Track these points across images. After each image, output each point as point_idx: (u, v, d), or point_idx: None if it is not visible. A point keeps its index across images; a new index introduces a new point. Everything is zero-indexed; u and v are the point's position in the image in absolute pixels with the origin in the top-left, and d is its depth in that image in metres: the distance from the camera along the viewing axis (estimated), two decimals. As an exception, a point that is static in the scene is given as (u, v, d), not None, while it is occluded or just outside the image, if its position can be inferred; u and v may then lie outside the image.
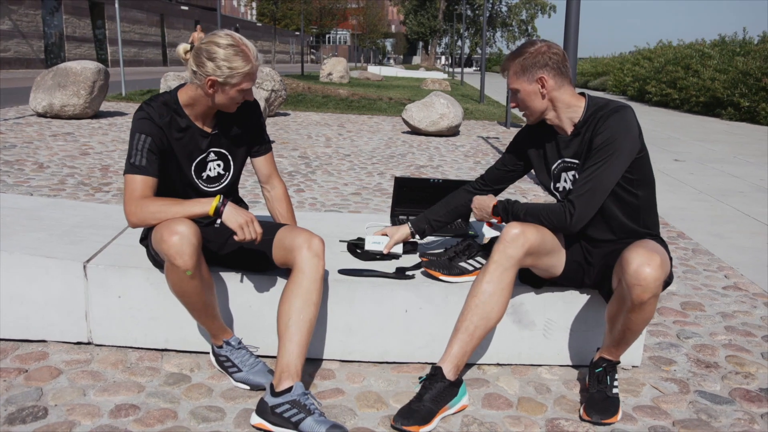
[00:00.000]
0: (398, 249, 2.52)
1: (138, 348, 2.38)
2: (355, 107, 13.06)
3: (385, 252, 2.47)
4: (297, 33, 52.92)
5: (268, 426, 1.90)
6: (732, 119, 14.54)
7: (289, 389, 1.91)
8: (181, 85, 2.13)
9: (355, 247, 2.55)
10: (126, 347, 2.38)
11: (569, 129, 2.15)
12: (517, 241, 2.05)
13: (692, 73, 16.95)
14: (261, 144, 2.32)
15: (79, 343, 2.39)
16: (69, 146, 6.90)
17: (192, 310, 2.08)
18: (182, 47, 2.05)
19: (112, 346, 2.38)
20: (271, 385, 1.94)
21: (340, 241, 2.58)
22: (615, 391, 2.12)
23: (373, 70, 36.43)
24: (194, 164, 2.16)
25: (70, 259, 2.33)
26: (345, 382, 2.24)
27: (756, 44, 15.90)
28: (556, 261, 2.20)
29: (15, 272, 2.31)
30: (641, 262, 1.90)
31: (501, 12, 61.66)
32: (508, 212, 2.17)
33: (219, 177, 2.24)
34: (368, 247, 2.50)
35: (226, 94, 2.03)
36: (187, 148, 2.13)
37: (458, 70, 46.52)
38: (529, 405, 2.14)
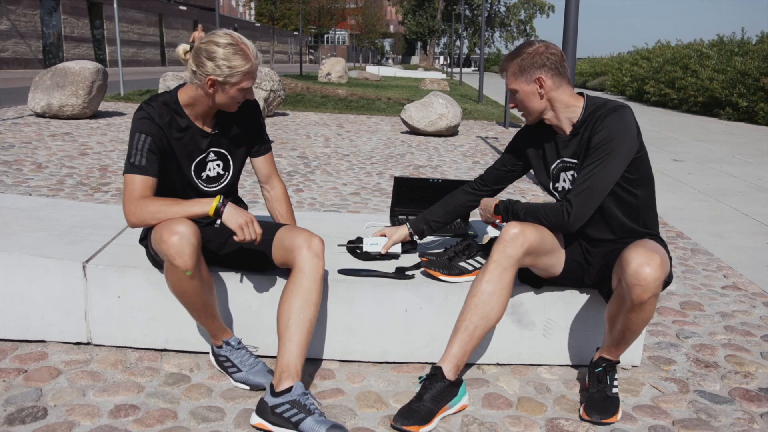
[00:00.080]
0: (397, 249, 2.52)
1: (137, 348, 2.38)
2: (353, 107, 13.06)
3: (383, 252, 2.47)
4: (295, 33, 52.93)
5: (268, 426, 1.90)
6: (730, 119, 14.56)
7: (289, 389, 1.90)
8: (181, 85, 2.12)
9: (354, 247, 2.55)
10: (125, 347, 2.38)
11: (568, 129, 2.15)
12: (516, 240, 2.05)
13: (690, 73, 16.96)
14: (261, 144, 2.32)
15: (78, 343, 2.38)
16: (67, 146, 6.90)
17: (192, 311, 2.08)
18: (182, 48, 2.05)
19: (112, 346, 2.38)
20: (271, 385, 1.93)
21: (339, 245, 2.58)
22: (615, 390, 2.12)
23: (372, 70, 36.45)
24: (194, 164, 2.16)
25: (69, 259, 2.32)
26: (345, 382, 2.24)
27: (754, 44, 15.91)
28: (556, 260, 2.20)
29: (14, 272, 2.31)
30: (641, 262, 1.90)
31: (499, 12, 61.71)
32: (509, 211, 2.17)
33: (219, 177, 2.24)
34: (366, 248, 2.50)
35: (227, 94, 2.03)
36: (187, 148, 2.13)
37: (457, 70, 46.54)
38: (529, 405, 2.14)
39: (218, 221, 1.98)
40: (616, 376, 2.17)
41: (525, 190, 5.76)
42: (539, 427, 2.02)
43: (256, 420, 1.92)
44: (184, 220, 1.93)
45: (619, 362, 2.18)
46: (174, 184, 2.15)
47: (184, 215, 1.96)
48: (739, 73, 14.56)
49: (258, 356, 2.24)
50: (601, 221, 2.16)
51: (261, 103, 9.38)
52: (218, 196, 1.99)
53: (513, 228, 2.07)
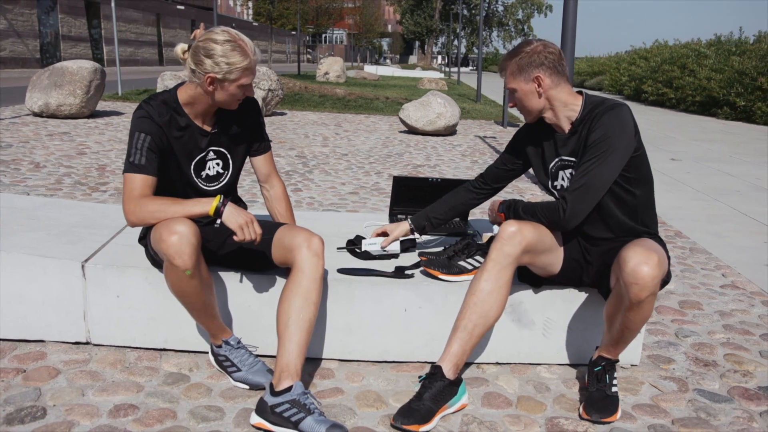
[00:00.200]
0: (396, 248, 2.52)
1: (137, 348, 2.37)
2: (352, 107, 13.06)
3: (384, 245, 2.47)
4: (293, 32, 52.87)
5: (267, 425, 1.89)
6: (728, 119, 14.58)
7: (289, 389, 1.90)
8: (180, 84, 2.12)
9: (354, 246, 2.55)
10: (124, 347, 2.37)
11: (567, 127, 2.15)
12: (514, 238, 2.06)
13: (688, 73, 16.99)
14: (260, 143, 2.32)
15: (77, 342, 2.38)
16: (65, 146, 6.88)
17: (191, 310, 2.08)
18: (180, 47, 2.04)
19: (111, 345, 2.38)
20: (271, 385, 1.93)
21: (338, 248, 2.57)
22: (614, 389, 2.12)
23: (370, 69, 36.44)
24: (194, 163, 2.16)
25: (68, 258, 2.32)
26: (344, 381, 2.24)
27: (752, 44, 15.94)
28: (554, 259, 2.20)
29: (13, 272, 2.31)
30: (639, 261, 1.90)
31: (497, 11, 61.75)
32: (510, 209, 2.18)
33: (218, 176, 2.23)
34: (365, 247, 2.51)
35: (226, 91, 2.02)
36: (186, 147, 2.12)
37: (455, 69, 46.55)
38: (529, 404, 2.14)
39: (218, 221, 1.97)
40: (616, 375, 2.17)
41: (523, 190, 5.76)
42: (539, 426, 2.02)
43: (255, 419, 1.92)
44: (183, 219, 1.93)
45: (618, 361, 2.19)
46: (173, 183, 2.15)
47: (184, 215, 1.95)
48: (736, 73, 14.59)
49: (257, 356, 2.24)
50: (599, 220, 2.16)
51: (259, 103, 9.37)
52: (218, 196, 1.98)
53: (511, 226, 2.07)
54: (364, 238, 2.55)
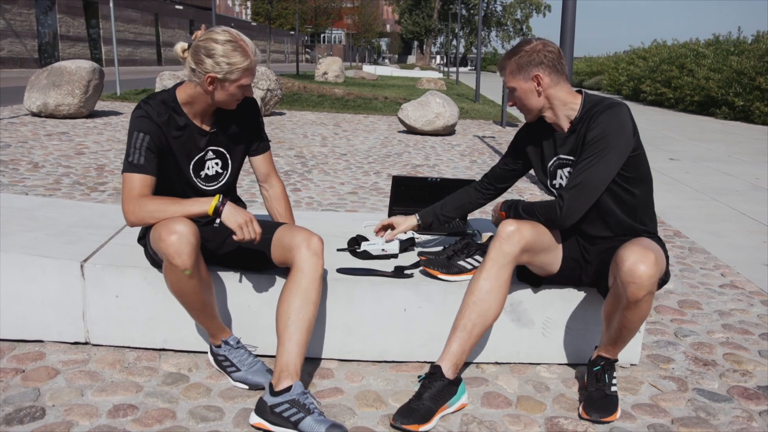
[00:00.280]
0: (395, 248, 2.52)
1: (136, 348, 2.37)
2: (350, 106, 13.06)
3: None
4: (292, 32, 52.85)
5: (267, 425, 1.89)
6: (726, 118, 14.59)
7: (288, 388, 1.90)
8: (179, 84, 2.11)
9: (355, 245, 2.55)
10: (124, 347, 2.37)
11: (566, 126, 2.15)
12: (513, 237, 2.06)
13: (687, 73, 17.00)
14: (259, 142, 2.32)
15: (76, 343, 2.38)
16: (64, 146, 6.88)
17: (190, 310, 2.08)
18: (180, 46, 2.04)
19: (110, 345, 2.37)
20: (270, 385, 1.93)
21: (338, 249, 2.57)
22: (614, 389, 2.12)
23: (369, 69, 36.43)
24: (192, 163, 2.16)
25: (67, 258, 2.32)
26: (344, 381, 2.24)
27: (750, 44, 15.96)
28: (553, 258, 2.20)
29: (12, 272, 2.30)
30: (635, 260, 1.90)
31: (496, 11, 61.78)
32: (511, 208, 2.18)
33: (217, 176, 2.23)
34: (365, 247, 2.51)
35: (226, 91, 2.02)
36: (185, 146, 2.12)
37: (453, 69, 46.53)
38: (529, 403, 2.14)
39: (217, 220, 1.97)
40: (615, 374, 2.17)
41: (522, 189, 5.76)
42: (538, 425, 2.02)
43: (255, 419, 1.92)
44: (183, 219, 1.93)
45: (617, 360, 2.18)
46: (173, 182, 2.14)
47: (183, 214, 1.95)
48: (735, 73, 14.60)
49: (257, 355, 2.24)
50: (597, 218, 2.16)
51: (258, 103, 9.37)
52: (217, 195, 1.98)
53: (509, 225, 2.08)
54: (366, 239, 2.55)
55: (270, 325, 2.18)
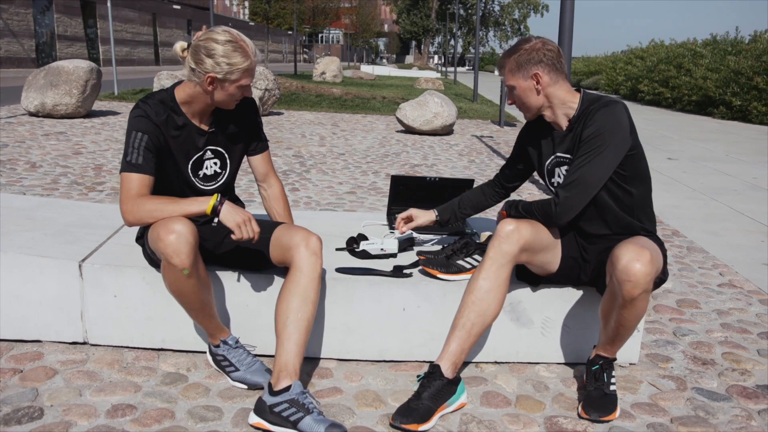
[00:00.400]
0: (394, 247, 2.52)
1: (134, 348, 2.36)
2: (348, 106, 13.05)
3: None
4: (290, 32, 52.82)
5: (266, 425, 1.89)
6: (724, 118, 14.62)
7: (288, 388, 1.90)
8: (178, 83, 2.11)
9: (353, 244, 2.54)
10: (122, 347, 2.37)
11: (564, 125, 2.16)
12: (512, 237, 2.06)
13: (684, 72, 17.02)
14: (258, 142, 2.31)
15: (74, 343, 2.37)
16: (61, 146, 6.86)
17: (189, 310, 2.07)
18: (179, 45, 2.03)
19: (108, 345, 2.37)
20: (269, 384, 1.93)
21: (337, 249, 2.57)
22: (612, 388, 2.12)
23: (366, 69, 36.42)
24: (191, 162, 2.15)
25: (65, 258, 2.31)
26: (343, 380, 2.24)
27: (747, 43, 15.99)
28: (552, 257, 2.20)
29: (10, 272, 2.29)
30: (631, 258, 1.90)
31: (494, 11, 61.81)
32: (512, 207, 2.19)
33: (216, 175, 2.23)
34: (363, 246, 2.51)
35: (226, 91, 2.02)
36: (183, 146, 2.12)
37: (451, 69, 46.54)
38: (528, 403, 2.14)
39: (215, 220, 1.96)
40: (614, 373, 2.17)
41: (521, 189, 5.76)
42: (538, 425, 2.02)
43: (254, 419, 1.91)
44: (181, 218, 1.92)
45: (615, 359, 2.18)
46: (171, 182, 2.14)
47: (182, 214, 1.94)
48: (732, 72, 14.62)
49: (256, 355, 2.23)
50: (596, 216, 2.16)
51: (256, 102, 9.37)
52: (215, 195, 1.97)
53: (508, 225, 2.08)
54: (365, 238, 2.55)
55: (269, 325, 2.18)
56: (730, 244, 4.25)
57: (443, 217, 2.53)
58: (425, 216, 2.52)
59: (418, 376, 2.09)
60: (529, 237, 2.07)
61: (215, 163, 2.21)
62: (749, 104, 13.86)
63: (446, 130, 9.34)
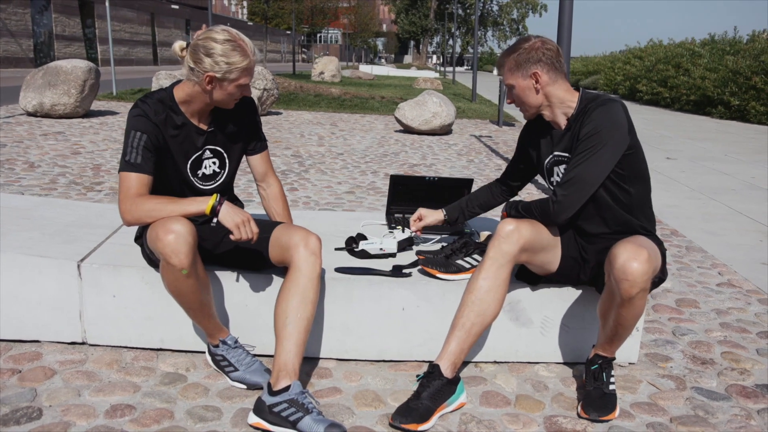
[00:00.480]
0: (393, 247, 2.52)
1: (133, 348, 2.36)
2: (347, 106, 13.05)
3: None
4: (288, 32, 52.81)
5: (266, 425, 1.88)
6: (722, 117, 14.63)
7: (287, 388, 1.89)
8: (177, 82, 2.11)
9: (352, 244, 2.54)
10: (121, 347, 2.36)
11: (563, 123, 2.16)
12: (512, 236, 2.06)
13: (683, 72, 17.03)
14: (257, 141, 2.31)
15: (73, 343, 2.37)
16: (60, 145, 6.85)
17: (188, 310, 2.07)
18: (178, 44, 2.03)
19: (107, 346, 2.36)
20: (269, 384, 1.92)
21: (336, 249, 2.57)
22: (612, 387, 2.12)
23: (365, 69, 36.42)
24: (190, 162, 2.15)
25: (63, 258, 2.30)
26: (342, 380, 2.23)
27: (745, 43, 16.00)
28: (552, 257, 2.20)
29: (8, 272, 2.29)
30: (628, 257, 1.90)
31: (492, 11, 61.81)
32: (512, 208, 2.19)
33: (214, 175, 2.22)
34: (362, 246, 2.50)
35: (225, 90, 2.01)
36: (182, 145, 2.11)
37: (450, 69, 46.54)
38: (527, 402, 2.14)
39: (214, 220, 1.96)
40: (613, 373, 2.17)
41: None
42: (537, 424, 2.02)
43: (253, 419, 1.91)
44: (180, 218, 1.92)
45: (614, 359, 2.18)
46: (170, 182, 2.13)
47: (180, 214, 1.94)
48: (730, 72, 14.63)
49: (255, 355, 2.23)
50: (594, 214, 2.16)
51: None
52: (215, 195, 1.97)
53: (508, 225, 2.08)
54: (364, 238, 2.54)
55: (268, 325, 2.18)
56: (728, 243, 4.25)
57: (451, 216, 2.54)
58: (433, 215, 2.54)
59: (417, 376, 2.09)
60: (529, 237, 2.07)
61: (214, 163, 2.21)
62: (747, 104, 13.87)
63: (445, 130, 9.33)
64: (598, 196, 2.10)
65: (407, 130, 9.33)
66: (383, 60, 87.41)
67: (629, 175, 2.10)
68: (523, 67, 2.11)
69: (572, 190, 2.04)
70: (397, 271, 2.34)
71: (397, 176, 2.94)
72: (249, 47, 2.00)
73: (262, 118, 10.31)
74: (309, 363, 2.31)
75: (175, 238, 1.87)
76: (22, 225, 2.63)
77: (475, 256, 2.33)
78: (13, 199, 3.10)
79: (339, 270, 2.35)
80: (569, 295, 2.34)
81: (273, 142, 7.85)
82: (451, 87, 24.85)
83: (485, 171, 6.55)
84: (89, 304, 2.31)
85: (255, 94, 9.92)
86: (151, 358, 2.31)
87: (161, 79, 10.33)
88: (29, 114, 9.06)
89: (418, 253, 2.50)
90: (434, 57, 77.47)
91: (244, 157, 2.32)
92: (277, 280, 2.27)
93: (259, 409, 1.90)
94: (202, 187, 2.20)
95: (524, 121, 2.35)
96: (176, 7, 38.87)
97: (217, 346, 2.17)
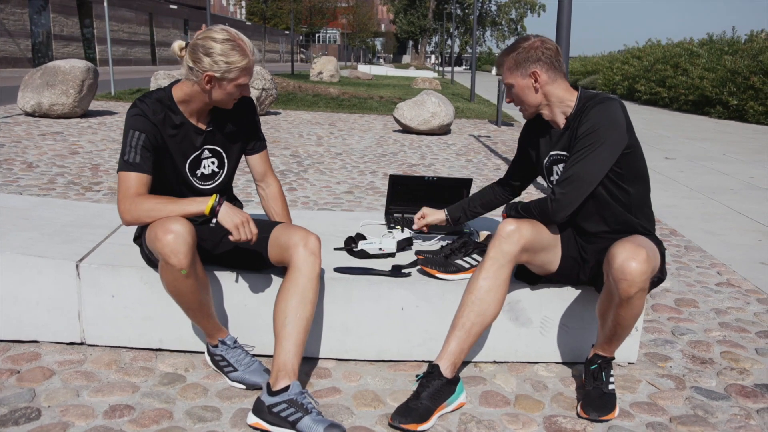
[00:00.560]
0: (392, 247, 2.52)
1: (132, 348, 2.35)
2: (345, 106, 13.04)
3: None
4: (287, 32, 52.81)
5: (265, 425, 1.88)
6: (721, 117, 14.64)
7: (286, 388, 1.89)
8: (175, 82, 2.10)
9: (351, 244, 2.54)
10: (120, 347, 2.36)
11: (562, 123, 2.16)
12: (513, 237, 2.06)
13: (681, 72, 17.04)
14: (256, 141, 2.31)
15: (72, 343, 2.36)
16: (58, 145, 6.84)
17: (187, 310, 2.06)
18: (177, 44, 2.02)
19: (106, 346, 2.36)
20: (268, 384, 1.92)
21: (335, 249, 2.56)
22: (611, 387, 2.12)
23: (363, 69, 36.39)
24: (188, 162, 2.14)
25: (62, 258, 2.30)
26: (342, 380, 2.23)
27: (744, 43, 16.01)
28: (552, 257, 2.20)
29: (7, 272, 2.28)
30: (627, 257, 1.90)
31: (491, 11, 61.82)
32: (512, 208, 2.19)
33: (213, 174, 2.22)
34: (361, 246, 2.50)
35: (224, 90, 2.01)
36: (181, 145, 2.11)
37: (448, 69, 46.57)
38: (527, 402, 2.14)
39: (214, 220, 1.96)
40: (612, 372, 2.16)
41: (518, 189, 5.76)
42: (537, 424, 2.02)
43: (253, 419, 1.91)
44: (179, 218, 1.91)
45: (614, 358, 2.18)
46: (169, 181, 2.13)
47: (179, 214, 1.94)
48: (729, 72, 14.64)
49: (254, 355, 2.23)
50: (594, 213, 2.16)
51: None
52: (214, 195, 1.97)
53: (509, 225, 2.08)
54: (363, 238, 2.54)
55: (267, 325, 2.17)
56: (727, 243, 4.25)
57: (453, 215, 2.54)
58: (435, 215, 2.56)
59: (417, 376, 2.09)
60: (529, 237, 2.07)
61: (213, 163, 2.20)
62: (746, 104, 13.88)
63: (443, 130, 9.33)
64: (598, 194, 2.10)
65: (406, 130, 9.33)
66: (382, 60, 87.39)
67: (628, 174, 2.10)
68: (522, 66, 2.11)
69: (570, 189, 2.04)
70: (397, 271, 2.34)
71: (396, 176, 2.93)
72: (248, 47, 1.99)
73: (261, 118, 10.30)
74: (308, 363, 2.31)
75: (174, 238, 1.87)
76: (20, 225, 2.62)
77: (475, 255, 2.33)
78: (12, 199, 3.10)
79: (338, 270, 2.35)
80: (569, 295, 2.34)
81: (272, 142, 7.85)
82: (450, 87, 24.85)
83: (484, 171, 6.55)
84: (88, 305, 2.30)
85: (254, 93, 9.91)
86: (150, 359, 2.31)
87: (160, 79, 10.32)
88: (27, 114, 9.05)
89: (418, 252, 2.50)
90: (433, 57, 77.46)
91: (243, 157, 2.32)
92: (276, 280, 2.27)
93: (259, 409, 1.90)
94: (200, 186, 2.19)
95: (523, 121, 2.35)
96: (174, 7, 38.81)
97: (216, 346, 2.17)
